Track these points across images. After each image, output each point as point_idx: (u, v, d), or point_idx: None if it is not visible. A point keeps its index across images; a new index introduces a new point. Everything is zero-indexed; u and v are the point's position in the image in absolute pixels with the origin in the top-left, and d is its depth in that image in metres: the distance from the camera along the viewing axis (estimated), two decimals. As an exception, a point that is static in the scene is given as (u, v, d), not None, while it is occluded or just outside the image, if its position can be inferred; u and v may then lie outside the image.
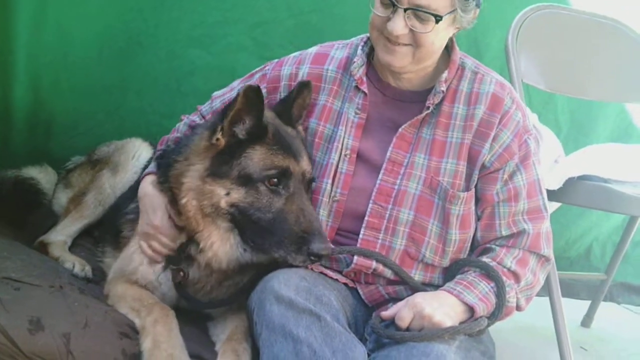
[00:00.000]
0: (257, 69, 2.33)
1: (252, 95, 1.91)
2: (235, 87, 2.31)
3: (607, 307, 3.41)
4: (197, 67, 3.13)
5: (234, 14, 3.12)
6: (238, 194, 1.93)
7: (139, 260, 2.10)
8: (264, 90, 2.21)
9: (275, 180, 1.93)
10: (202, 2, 3.10)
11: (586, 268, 3.64)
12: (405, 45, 1.95)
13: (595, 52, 2.83)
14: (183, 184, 1.98)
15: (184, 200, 1.98)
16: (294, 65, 2.22)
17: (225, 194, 1.94)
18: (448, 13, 1.91)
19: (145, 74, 3.09)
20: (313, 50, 2.26)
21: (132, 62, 3.08)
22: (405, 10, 1.89)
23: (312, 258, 1.87)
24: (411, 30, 1.92)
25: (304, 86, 2.09)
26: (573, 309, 3.18)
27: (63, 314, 1.85)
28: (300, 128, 2.15)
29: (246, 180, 1.93)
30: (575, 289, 3.50)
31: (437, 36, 1.94)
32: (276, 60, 2.31)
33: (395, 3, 1.89)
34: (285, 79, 2.21)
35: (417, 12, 1.89)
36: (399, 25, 1.90)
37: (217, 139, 1.98)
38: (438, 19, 1.89)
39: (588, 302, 3.27)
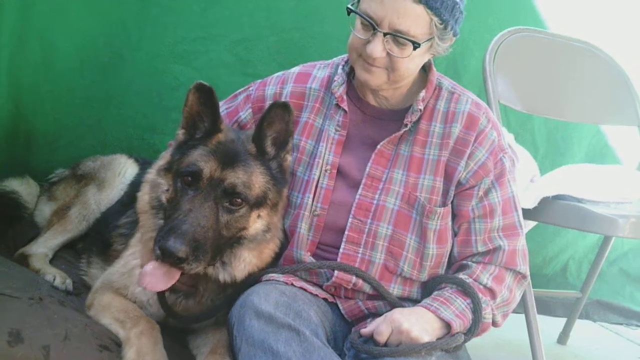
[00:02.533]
0: (241, 90, 2.36)
1: (204, 90, 1.95)
2: (220, 108, 2.32)
3: (583, 324, 3.46)
4: (179, 82, 3.14)
5: (217, 30, 3.16)
6: (171, 190, 1.96)
7: (134, 279, 2.08)
8: (249, 111, 2.26)
9: (189, 179, 1.91)
10: (185, 17, 3.13)
11: (563, 286, 3.70)
12: (381, 68, 2.00)
13: (570, 74, 2.90)
14: (147, 177, 2.05)
15: (140, 194, 2.03)
16: (277, 85, 2.26)
17: (166, 190, 1.98)
18: (426, 40, 1.95)
19: (127, 88, 3.10)
20: (296, 70, 2.30)
21: (115, 75, 3.09)
22: (384, 34, 1.93)
23: (158, 252, 1.79)
24: (388, 54, 1.96)
25: (273, 107, 1.99)
26: (550, 326, 3.23)
27: (43, 326, 1.84)
28: (269, 150, 2.05)
29: (175, 176, 1.96)
30: (551, 307, 3.55)
31: (412, 62, 2.00)
32: (260, 80, 2.34)
33: (376, 27, 1.94)
34: (269, 99, 2.25)
35: (396, 37, 1.93)
36: (377, 48, 1.95)
37: (177, 133, 2.03)
38: (416, 45, 1.93)
39: (564, 320, 3.31)
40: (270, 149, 2.01)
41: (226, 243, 1.94)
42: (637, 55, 3.33)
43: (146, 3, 3.07)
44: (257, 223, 1.97)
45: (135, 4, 3.07)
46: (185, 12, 3.10)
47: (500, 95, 2.64)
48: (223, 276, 1.99)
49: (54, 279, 2.28)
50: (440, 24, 1.94)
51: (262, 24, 3.17)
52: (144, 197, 2.06)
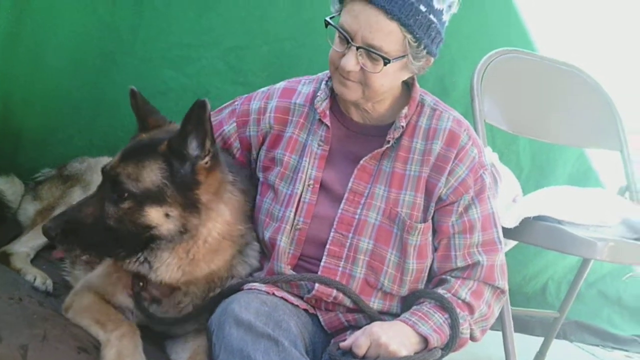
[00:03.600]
0: (226, 104, 2.38)
1: (133, 94, 2.13)
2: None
3: (560, 344, 3.48)
4: (169, 87, 3.15)
5: (210, 37, 3.17)
6: None
7: (121, 287, 2.11)
8: (233, 125, 2.28)
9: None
10: (178, 23, 3.14)
11: (542, 305, 3.72)
12: (355, 82, 2.02)
13: (556, 97, 2.93)
14: None
15: None
16: (262, 100, 2.28)
17: None
18: (398, 57, 1.96)
19: (118, 91, 3.09)
20: (281, 85, 2.32)
21: (106, 78, 3.10)
22: (357, 48, 1.95)
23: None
24: (362, 69, 1.98)
25: (194, 106, 1.94)
26: (528, 344, 3.25)
27: (21, 326, 1.83)
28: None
29: None
30: (530, 325, 3.57)
31: (386, 78, 2.01)
32: (245, 95, 2.36)
33: (350, 40, 1.96)
34: (254, 113, 2.27)
35: (369, 52, 1.95)
36: (351, 62, 1.96)
37: None
38: (386, 61, 1.94)
39: (541, 339, 3.33)
40: (192, 150, 1.96)
41: (134, 239, 1.94)
42: (622, 80, 3.38)
43: (140, 8, 3.08)
44: (168, 223, 1.94)
45: (129, 8, 3.07)
46: (180, 18, 3.12)
47: (487, 114, 2.67)
48: (151, 276, 2.00)
49: (35, 279, 2.28)
50: (414, 42, 1.95)
51: (255, 32, 3.19)
52: None
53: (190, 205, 1.95)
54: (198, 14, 3.13)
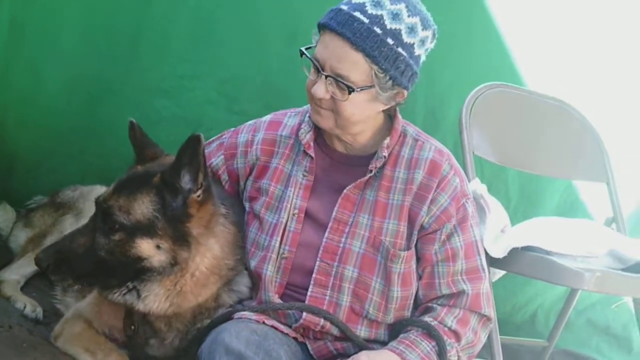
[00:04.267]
0: (214, 138, 2.42)
1: (131, 126, 2.16)
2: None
3: (548, 373, 3.48)
4: (163, 117, 3.19)
5: (204, 68, 3.21)
6: None
7: (115, 317, 2.12)
8: (221, 157, 2.32)
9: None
10: (173, 53, 3.19)
11: (531, 334, 3.71)
12: (327, 110, 2.07)
13: (543, 130, 2.97)
14: None
15: None
16: (249, 133, 2.33)
17: None
18: (365, 88, 2.00)
19: (112, 120, 3.12)
20: (267, 118, 2.37)
21: (101, 107, 3.13)
22: (326, 77, 2.00)
23: None
24: (332, 97, 2.03)
25: (188, 140, 1.97)
26: (517, 374, 3.26)
27: (10, 355, 1.86)
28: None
29: None
30: (519, 355, 3.54)
31: (355, 107, 2.04)
32: (233, 129, 2.41)
33: (320, 70, 2.02)
34: (241, 146, 2.31)
35: (336, 80, 2.00)
36: (321, 89, 2.01)
37: None
38: (351, 90, 1.99)
39: (531, 368, 3.35)
40: (185, 184, 1.98)
41: (125, 270, 1.95)
42: (608, 114, 3.43)
43: (137, 37, 3.13)
44: (159, 255, 1.95)
45: (126, 37, 3.12)
46: (175, 49, 3.16)
47: (475, 146, 2.70)
48: (138, 306, 2.00)
49: (25, 307, 2.29)
50: (381, 73, 2.00)
51: (249, 64, 3.23)
52: None
53: (181, 238, 1.97)
54: (193, 45, 3.18)
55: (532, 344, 3.41)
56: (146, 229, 1.94)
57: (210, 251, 2.04)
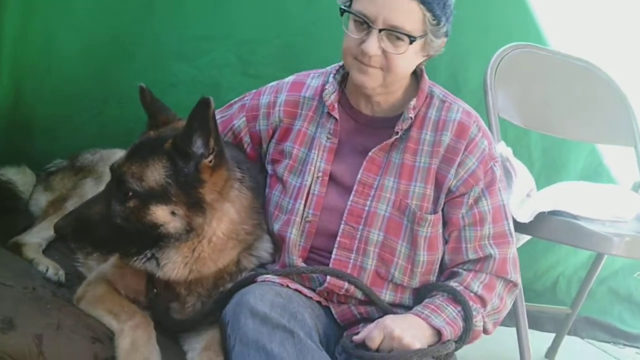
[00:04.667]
0: (236, 99, 2.38)
1: (142, 91, 2.13)
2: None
3: (570, 340, 3.46)
4: (180, 80, 3.13)
5: (221, 30, 3.15)
6: None
7: (137, 281, 2.11)
8: (243, 119, 2.28)
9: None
10: (190, 16, 3.13)
11: (552, 301, 3.70)
12: (376, 68, 2.02)
13: (569, 92, 2.92)
14: None
15: None
16: (272, 94, 2.28)
17: None
18: (421, 36, 1.99)
19: (129, 83, 3.03)
20: (290, 79, 2.32)
21: (117, 70, 3.08)
22: (379, 31, 1.95)
23: None
24: (383, 53, 1.98)
25: (198, 104, 1.92)
26: (538, 340, 3.24)
27: (36, 316, 1.83)
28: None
29: None
30: (541, 321, 3.55)
31: (407, 61, 2.02)
32: (254, 90, 2.36)
33: (370, 24, 1.96)
34: (264, 107, 2.27)
35: (391, 33, 1.95)
36: (373, 45, 1.96)
37: None
38: (412, 39, 1.96)
39: (552, 335, 3.33)
40: (197, 149, 1.94)
41: (143, 237, 1.94)
42: (636, 76, 3.36)
43: (152, 0, 3.08)
44: (174, 221, 1.93)
45: (141, 0, 3.07)
46: (192, 11, 3.10)
47: (500, 109, 2.66)
48: (159, 273, 2.00)
49: (47, 270, 2.27)
50: (433, 20, 1.97)
51: (268, 26, 3.18)
52: None
53: (195, 204, 1.94)
54: (210, 6, 3.11)
55: (554, 310, 3.41)
56: (159, 196, 1.92)
57: (226, 216, 2.01)
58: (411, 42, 1.96)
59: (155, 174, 1.93)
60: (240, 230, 2.06)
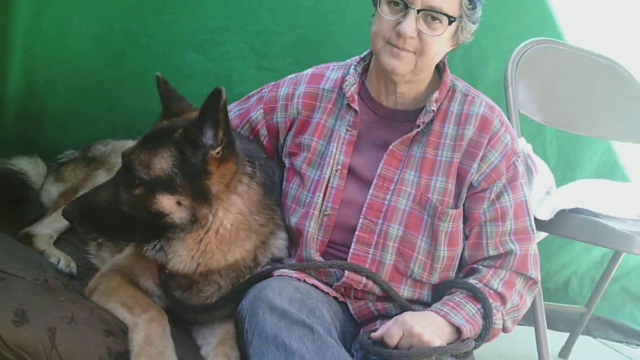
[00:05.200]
0: (254, 92, 2.35)
1: (159, 80, 2.14)
2: (232, 110, 2.31)
3: (583, 340, 3.44)
4: (193, 71, 3.10)
5: (235, 21, 3.11)
6: None
7: (148, 272, 2.08)
8: (260, 111, 2.25)
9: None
10: (204, 7, 3.09)
11: (564, 300, 3.68)
12: (410, 52, 1.99)
13: (589, 89, 2.88)
14: None
15: None
16: (290, 86, 2.26)
17: None
18: (458, 19, 1.97)
19: (141, 74, 3.06)
20: (309, 71, 2.29)
21: (129, 61, 3.05)
22: (418, 11, 1.93)
23: None
24: (418, 35, 1.96)
25: (211, 94, 1.89)
26: (551, 339, 3.20)
27: (49, 308, 1.81)
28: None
29: None
30: (553, 320, 3.51)
31: (440, 44, 2.00)
32: (273, 82, 2.34)
33: (408, 4, 1.93)
34: (282, 100, 2.24)
35: (428, 13, 1.93)
36: (411, 26, 1.94)
37: None
38: (451, 19, 1.94)
39: (565, 334, 3.31)
40: (207, 140, 1.91)
41: (148, 226, 1.92)
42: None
43: (166, -10, 3.05)
44: (180, 211, 1.91)
45: (155, -11, 3.05)
46: (207, 2, 3.06)
47: (520, 104, 2.63)
48: (167, 265, 1.98)
49: (59, 262, 2.25)
50: (469, 4, 1.97)
51: (281, 18, 3.14)
52: None
53: (201, 195, 1.92)
54: (224, -2, 3.09)
55: (566, 309, 3.38)
56: (166, 185, 1.90)
57: (233, 207, 1.98)
58: (450, 23, 1.94)
59: (163, 162, 1.91)
60: (252, 221, 2.03)
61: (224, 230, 1.96)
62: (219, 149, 1.92)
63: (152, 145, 1.95)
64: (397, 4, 1.95)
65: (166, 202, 1.89)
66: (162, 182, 1.90)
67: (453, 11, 1.95)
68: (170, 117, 2.11)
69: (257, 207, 2.05)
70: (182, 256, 1.95)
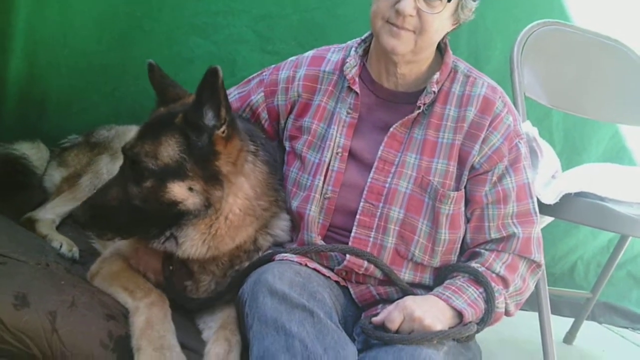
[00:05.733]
0: (254, 75, 2.34)
1: (152, 68, 2.12)
2: (232, 93, 2.30)
3: (588, 325, 3.42)
4: (196, 55, 3.08)
5: (239, 4, 3.09)
6: None
7: (154, 261, 2.08)
8: (261, 94, 2.24)
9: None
10: (208, -12, 3.08)
11: (569, 285, 3.66)
12: (409, 31, 1.96)
13: (596, 71, 2.84)
14: None
15: None
16: (291, 69, 2.24)
17: None
18: None
19: (144, 58, 2.99)
20: (310, 54, 2.28)
21: (132, 45, 3.03)
22: None
23: None
24: (418, 13, 1.93)
25: (206, 73, 1.88)
26: (556, 325, 3.18)
27: (49, 292, 1.81)
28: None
29: None
30: (558, 306, 3.50)
31: (440, 22, 1.97)
32: (273, 65, 2.32)
33: None
34: (282, 82, 2.22)
35: None
36: (410, 4, 1.92)
37: None
38: None
39: (570, 319, 3.29)
40: (209, 121, 1.90)
41: (163, 216, 1.91)
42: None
43: (169, -27, 3.02)
44: (193, 197, 1.90)
45: (158, -27, 3.02)
46: (210, -17, 3.05)
47: (526, 87, 2.59)
48: (178, 252, 1.97)
49: (61, 246, 2.25)
50: None
51: (285, 1, 3.11)
52: None
53: (212, 177, 1.91)
54: (229, -20, 3.06)
55: (571, 295, 3.36)
56: (176, 172, 1.88)
57: (241, 191, 1.97)
58: (449, 0, 1.92)
59: (169, 150, 1.89)
60: (257, 206, 2.03)
61: (233, 216, 1.96)
62: (223, 127, 1.91)
63: (154, 134, 1.92)
64: None
65: (178, 190, 1.88)
66: (172, 170, 1.88)
67: None
68: (167, 104, 2.08)
69: (263, 187, 2.05)
70: (195, 239, 1.95)
